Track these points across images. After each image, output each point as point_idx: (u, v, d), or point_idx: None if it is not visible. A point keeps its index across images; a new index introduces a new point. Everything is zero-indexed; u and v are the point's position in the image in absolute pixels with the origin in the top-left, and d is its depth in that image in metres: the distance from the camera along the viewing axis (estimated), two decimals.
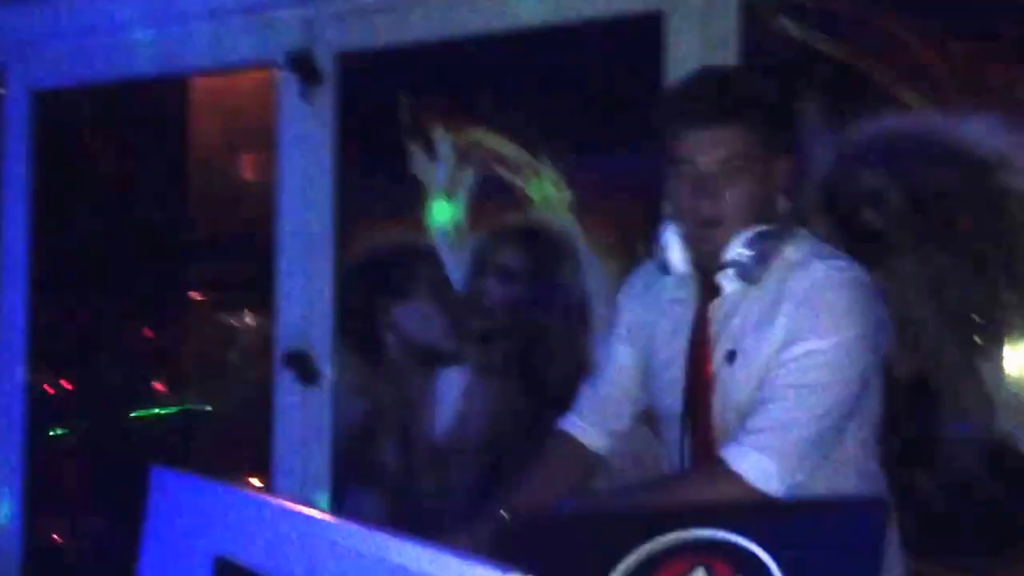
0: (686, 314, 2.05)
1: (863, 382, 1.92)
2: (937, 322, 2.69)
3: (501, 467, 3.08)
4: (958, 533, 2.68)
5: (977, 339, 2.67)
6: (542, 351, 3.14)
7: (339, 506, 3.20)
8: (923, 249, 2.70)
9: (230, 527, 1.28)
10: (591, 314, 3.07)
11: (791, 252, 1.96)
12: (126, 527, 1.57)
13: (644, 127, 2.93)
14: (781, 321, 1.90)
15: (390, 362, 3.28)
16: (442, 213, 3.33)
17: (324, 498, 3.19)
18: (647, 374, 2.13)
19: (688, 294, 2.06)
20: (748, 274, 1.94)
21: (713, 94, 1.95)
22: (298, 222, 3.28)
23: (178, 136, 4.24)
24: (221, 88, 4.19)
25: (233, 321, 4.48)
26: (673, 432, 2.05)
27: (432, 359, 3.24)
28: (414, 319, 3.24)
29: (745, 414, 1.91)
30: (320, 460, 3.24)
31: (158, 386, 4.44)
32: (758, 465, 1.83)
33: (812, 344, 1.87)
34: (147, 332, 4.46)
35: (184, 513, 1.38)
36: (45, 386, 4.00)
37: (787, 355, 1.88)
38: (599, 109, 3.10)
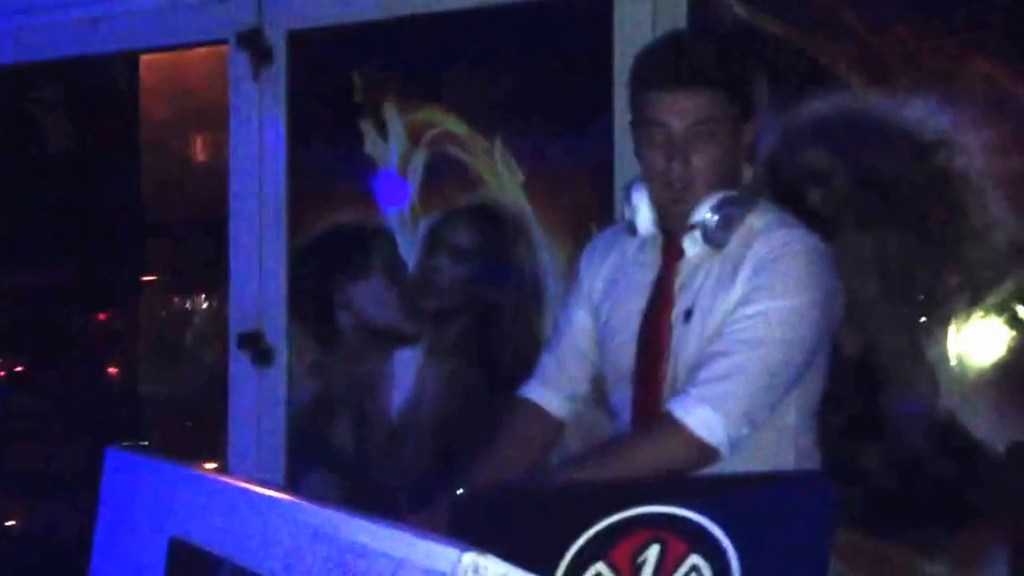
0: (647, 276, 2.07)
1: (813, 347, 1.95)
2: (882, 301, 2.72)
3: (456, 446, 3.09)
4: (905, 510, 2.71)
5: (921, 318, 2.71)
6: (495, 330, 3.15)
7: (294, 487, 3.19)
8: (867, 229, 2.72)
9: (185, 508, 1.27)
10: (543, 293, 3.08)
11: (754, 219, 1.99)
12: (80, 510, 1.56)
13: (594, 106, 2.94)
14: (739, 283, 1.94)
15: (344, 342, 3.28)
16: (395, 192, 3.32)
17: (279, 479, 3.18)
18: (601, 335, 2.14)
19: (651, 256, 2.08)
20: (713, 238, 1.97)
21: (682, 58, 1.97)
22: (250, 202, 3.26)
23: (129, 115, 4.19)
24: (173, 67, 4.15)
25: (187, 303, 4.45)
26: (624, 392, 2.07)
27: (386, 339, 3.24)
28: (368, 299, 3.23)
29: (693, 368, 1.93)
30: (274, 441, 3.23)
31: (111, 369, 4.41)
32: (703, 416, 1.86)
33: (767, 304, 1.90)
34: (100, 315, 4.42)
35: (139, 494, 1.37)
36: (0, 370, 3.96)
37: (741, 313, 1.92)
38: (550, 88, 3.11)
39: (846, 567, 2.66)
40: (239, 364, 3.25)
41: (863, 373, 2.73)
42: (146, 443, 3.90)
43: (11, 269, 3.86)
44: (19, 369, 4.16)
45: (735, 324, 1.91)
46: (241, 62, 3.25)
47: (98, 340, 4.38)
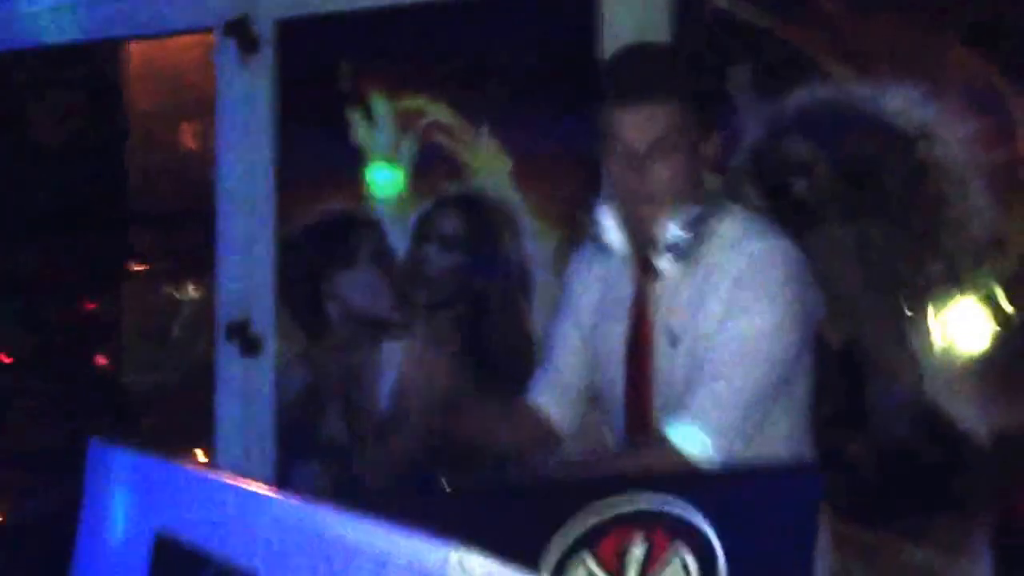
0: (625, 295, 2.07)
1: (796, 356, 1.97)
2: (865, 291, 2.73)
3: (445, 437, 3.08)
4: (889, 498, 2.72)
5: (905, 308, 2.72)
6: (484, 320, 3.15)
7: (282, 478, 3.19)
8: (851, 219, 2.73)
9: (170, 502, 1.27)
10: (532, 282, 3.08)
11: (726, 228, 1.99)
12: (66, 503, 1.56)
13: (581, 96, 2.94)
14: (718, 298, 1.94)
15: (333, 332, 3.27)
16: (383, 181, 3.31)
17: (267, 469, 3.17)
18: (593, 357, 2.15)
19: (627, 275, 2.08)
20: (685, 256, 1.97)
21: (642, 72, 1.97)
22: (238, 191, 3.24)
23: (115, 103, 4.17)
24: (160, 55, 4.12)
25: (174, 292, 4.43)
26: (613, 405, 2.09)
27: (375, 329, 3.23)
28: (356, 288, 3.22)
29: (682, 390, 1.94)
30: (263, 432, 3.22)
31: (97, 358, 4.39)
32: (699, 442, 1.87)
33: (747, 320, 1.91)
34: (86, 304, 4.40)
35: (123, 488, 1.37)
36: None
37: (724, 332, 1.92)
38: (538, 77, 3.10)
39: (832, 555, 2.67)
40: (227, 354, 3.24)
41: (847, 363, 2.74)
42: (132, 434, 3.90)
43: None
44: (5, 360, 4.15)
45: (719, 345, 1.92)
46: (228, 50, 3.23)
47: (84, 330, 4.37)
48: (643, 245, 2.02)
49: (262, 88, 3.22)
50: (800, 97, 2.76)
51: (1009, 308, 2.64)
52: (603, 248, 2.06)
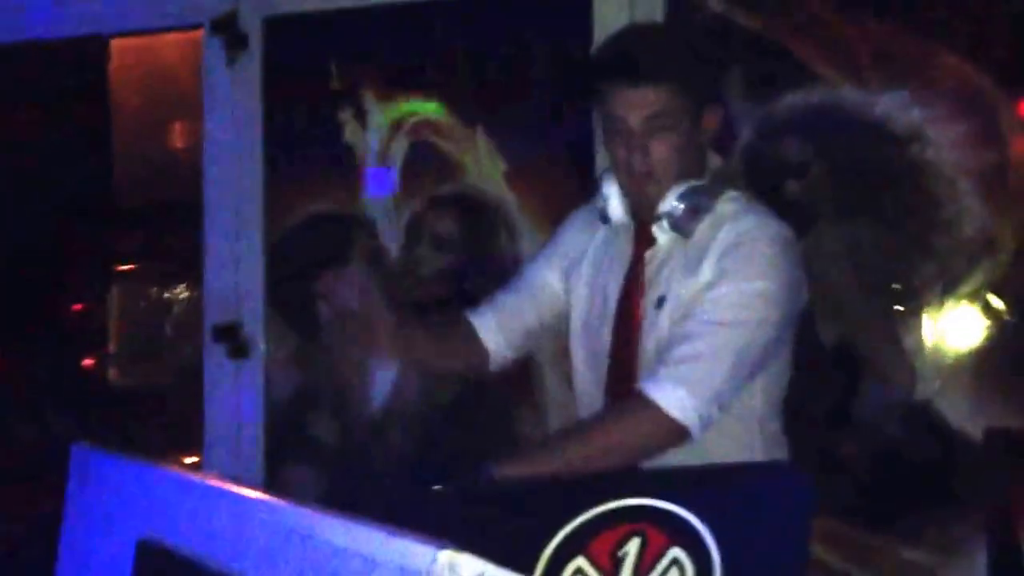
0: (622, 262, 2.13)
1: (777, 330, 2.00)
2: (858, 292, 2.74)
3: (437, 438, 3.07)
4: (883, 497, 2.73)
5: (897, 307, 2.74)
6: None
7: (273, 482, 3.17)
8: (843, 220, 2.75)
9: (154, 507, 1.25)
10: None
11: (723, 206, 2.05)
12: (49, 507, 1.54)
13: (575, 94, 2.94)
14: (707, 266, 2.00)
15: (323, 334, 3.25)
16: (375, 182, 3.30)
17: (257, 472, 3.16)
18: (584, 317, 2.19)
19: (624, 244, 2.14)
20: (681, 226, 2.03)
21: (638, 53, 2.04)
22: (226, 190, 3.23)
23: (99, 101, 4.14)
24: (146, 52, 4.10)
25: (162, 292, 4.41)
26: (599, 371, 2.13)
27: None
28: (347, 290, 3.20)
29: (663, 349, 1.98)
30: (252, 434, 3.20)
31: (84, 360, 4.37)
32: (674, 395, 1.90)
33: (734, 285, 1.96)
34: (72, 305, 4.38)
35: (106, 493, 1.35)
36: None
37: (709, 294, 1.97)
38: (531, 76, 3.10)
39: (826, 555, 2.68)
40: (215, 356, 3.22)
41: (840, 362, 2.75)
42: (120, 437, 3.87)
43: None
44: None
45: (703, 305, 1.97)
46: (216, 48, 3.21)
47: (70, 331, 4.35)
48: (642, 214, 2.09)
49: (250, 86, 3.20)
50: (792, 99, 2.78)
51: (1001, 307, 2.65)
52: (605, 216, 2.13)
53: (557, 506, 1.41)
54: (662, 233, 2.04)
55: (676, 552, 1.44)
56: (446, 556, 0.89)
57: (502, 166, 3.13)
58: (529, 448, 2.13)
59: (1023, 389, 2.66)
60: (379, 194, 3.28)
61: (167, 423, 3.93)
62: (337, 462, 3.23)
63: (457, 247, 3.18)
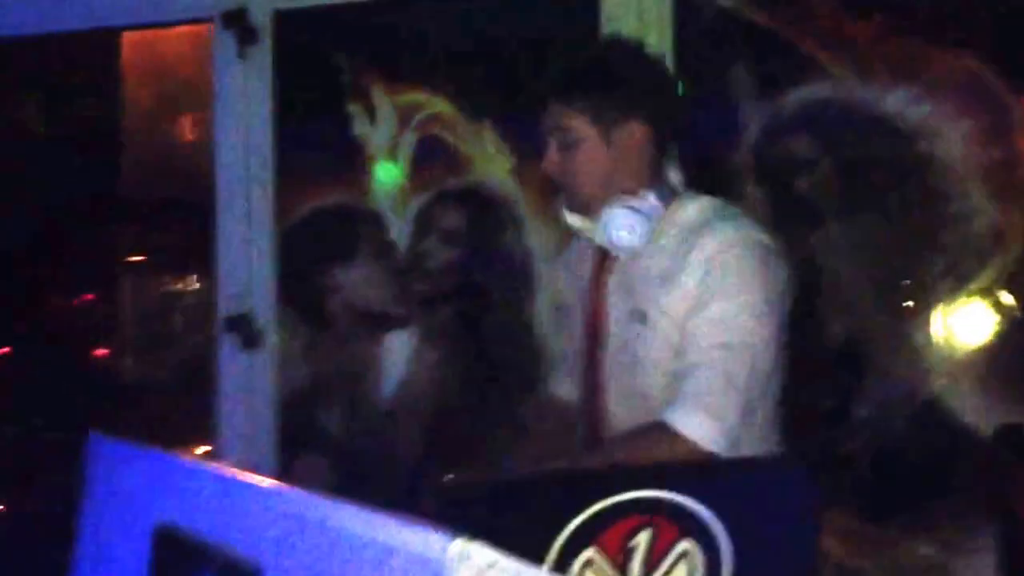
0: (586, 272, 2.20)
1: (778, 340, 2.03)
2: (867, 288, 2.74)
3: (447, 431, 3.08)
4: (892, 493, 2.73)
5: (906, 304, 2.73)
6: (485, 314, 3.14)
7: (284, 472, 3.18)
8: (852, 216, 2.75)
9: (170, 495, 1.26)
10: (533, 276, 3.07)
11: (690, 213, 2.08)
12: (65, 498, 1.55)
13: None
14: (690, 278, 2.01)
15: (334, 326, 3.26)
16: (384, 175, 3.30)
17: (269, 463, 3.17)
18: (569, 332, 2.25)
19: (590, 249, 2.20)
20: (632, 239, 2.06)
21: (558, 73, 2.15)
22: (237, 183, 3.23)
23: (109, 94, 4.15)
24: (156, 45, 4.11)
25: (173, 285, 4.42)
26: (575, 377, 2.20)
27: (376, 323, 3.22)
28: (357, 282, 3.21)
29: (665, 372, 2.01)
30: (264, 424, 3.21)
31: (98, 352, 4.38)
32: (702, 425, 1.92)
33: (724, 305, 1.97)
34: (83, 297, 4.39)
35: (123, 482, 1.36)
36: None
37: (702, 318, 1.98)
38: (539, 70, 3.10)
39: (837, 550, 2.68)
40: (227, 347, 3.23)
41: (849, 359, 2.75)
42: (132, 428, 3.89)
43: None
44: (3, 351, 4.14)
45: (700, 331, 1.98)
46: (226, 41, 3.21)
47: (80, 323, 4.36)
48: (593, 228, 2.13)
49: (260, 79, 3.20)
50: (801, 95, 2.77)
51: (1010, 303, 2.64)
52: (567, 225, 2.20)
53: (568, 497, 1.41)
54: (614, 246, 2.09)
55: (686, 544, 1.44)
56: (458, 546, 0.90)
57: (510, 161, 3.13)
58: (556, 461, 2.12)
59: None
60: (387, 187, 3.29)
61: (177, 415, 3.94)
62: (349, 452, 3.24)
63: (465, 241, 3.19)
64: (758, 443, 2.05)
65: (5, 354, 4.14)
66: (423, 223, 3.23)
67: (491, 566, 0.90)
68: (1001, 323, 2.67)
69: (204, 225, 3.32)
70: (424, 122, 3.22)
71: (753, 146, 2.79)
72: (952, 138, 2.68)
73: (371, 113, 3.24)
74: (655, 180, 2.10)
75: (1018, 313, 2.66)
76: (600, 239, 2.09)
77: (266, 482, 1.17)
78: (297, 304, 3.25)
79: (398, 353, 3.18)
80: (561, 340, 2.30)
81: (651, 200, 2.06)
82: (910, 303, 2.73)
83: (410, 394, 3.10)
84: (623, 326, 2.06)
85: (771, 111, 2.81)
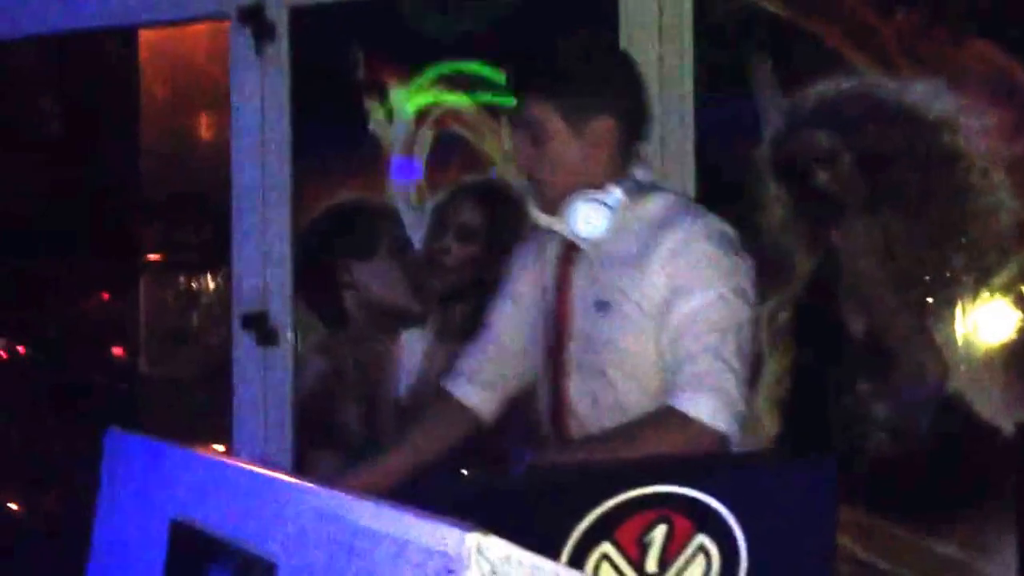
0: (552, 260, 2.21)
1: (750, 325, 2.07)
2: (888, 282, 2.72)
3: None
4: (914, 490, 2.71)
5: (928, 299, 2.71)
6: None
7: (301, 468, 3.19)
8: (874, 210, 2.73)
9: (186, 489, 1.26)
10: None
11: (653, 206, 2.12)
12: (82, 493, 1.56)
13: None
14: (657, 271, 2.05)
15: (350, 322, 3.26)
16: (401, 171, 3.30)
17: (285, 460, 3.17)
18: (532, 329, 2.25)
19: (553, 243, 2.21)
20: (590, 237, 2.10)
21: (529, 69, 2.18)
22: (253, 180, 3.24)
23: (128, 92, 4.16)
24: (173, 42, 4.12)
25: (190, 283, 4.43)
26: (539, 367, 2.21)
27: (393, 319, 3.22)
28: (374, 279, 3.21)
29: (624, 358, 2.05)
30: (280, 422, 3.22)
31: (115, 350, 4.40)
32: (708, 405, 1.94)
33: (704, 294, 2.01)
34: (101, 295, 4.41)
35: (139, 476, 1.36)
36: None
37: (687, 310, 2.02)
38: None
39: (855, 547, 2.66)
40: (243, 345, 3.24)
41: (870, 354, 2.73)
42: (150, 425, 3.90)
43: (10, 250, 3.84)
44: (20, 350, 4.16)
45: (684, 324, 2.01)
46: (243, 38, 3.22)
47: (99, 321, 4.37)
48: (559, 222, 2.16)
49: (277, 76, 3.21)
50: (822, 88, 2.76)
51: None
52: (538, 228, 2.22)
53: (584, 492, 1.41)
54: (579, 237, 2.12)
55: (702, 539, 1.44)
56: (474, 539, 0.90)
57: None
58: (569, 448, 2.13)
59: None
60: (404, 184, 3.29)
61: (195, 412, 3.96)
62: (365, 448, 3.25)
63: (482, 237, 3.18)
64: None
65: (23, 352, 4.15)
66: (440, 220, 3.23)
67: (506, 560, 0.90)
68: None
69: (221, 222, 3.32)
70: (441, 118, 3.22)
71: (775, 140, 2.77)
72: (975, 131, 2.66)
73: (388, 109, 3.24)
74: (621, 175, 2.14)
75: None
76: (566, 231, 2.13)
77: (282, 477, 1.17)
78: (313, 301, 3.26)
79: (414, 350, 3.18)
80: (492, 334, 2.32)
81: (616, 194, 2.11)
82: (932, 298, 2.72)
83: (426, 390, 3.10)
84: (588, 318, 2.11)
85: (791, 104, 2.79)
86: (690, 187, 2.78)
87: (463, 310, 3.16)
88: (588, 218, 2.09)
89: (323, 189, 3.31)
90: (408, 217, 3.25)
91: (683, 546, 1.43)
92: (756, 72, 2.80)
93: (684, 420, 1.94)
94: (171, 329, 4.41)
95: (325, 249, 3.25)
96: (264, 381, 3.23)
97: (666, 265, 2.03)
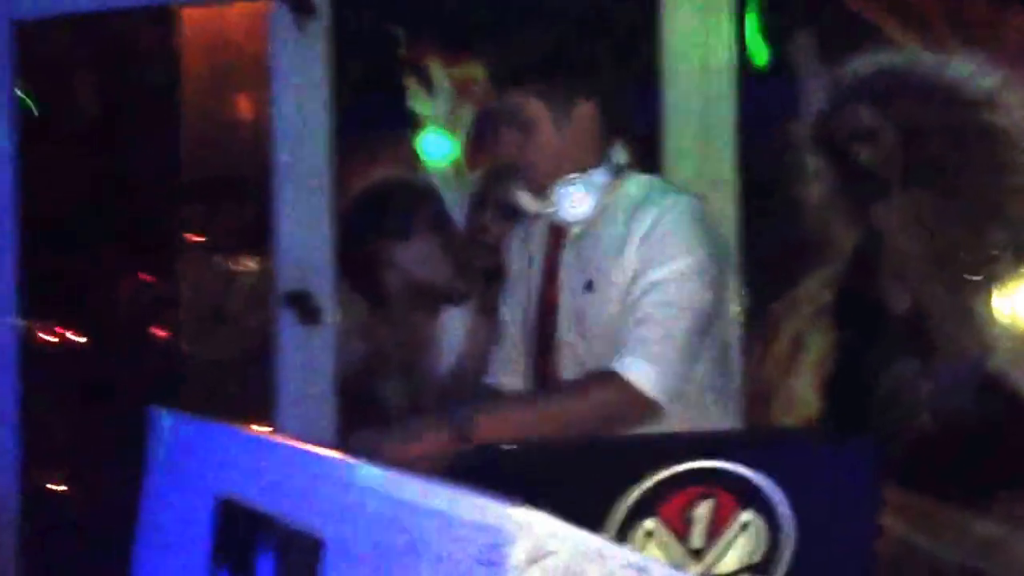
0: (541, 247, 2.31)
1: (715, 300, 2.16)
2: (930, 260, 2.71)
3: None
4: (953, 469, 2.70)
5: (970, 276, 2.70)
6: None
7: (344, 446, 3.20)
8: (915, 187, 2.71)
9: (231, 467, 1.27)
10: None
11: (632, 189, 2.21)
12: (127, 472, 1.57)
13: (642, 63, 2.92)
14: (632, 250, 2.15)
15: (391, 302, 3.26)
16: (441, 149, 3.30)
17: (328, 438, 3.18)
18: (523, 317, 2.36)
19: (542, 230, 2.31)
20: (582, 213, 2.19)
21: (512, 58, 2.28)
22: (295, 159, 3.24)
23: (171, 71, 4.17)
24: (214, 22, 4.12)
25: (233, 263, 4.45)
26: (526, 344, 2.31)
27: (434, 298, 3.22)
28: (414, 258, 3.21)
29: (606, 336, 2.14)
30: (323, 400, 3.24)
31: (157, 332, 4.43)
32: (642, 371, 2.05)
33: (665, 269, 2.12)
34: (144, 277, 4.44)
35: (184, 454, 1.37)
36: (41, 334, 3.99)
37: (645, 282, 2.12)
38: (597, 44, 3.08)
39: (896, 525, 2.65)
40: (287, 323, 3.25)
41: (911, 332, 2.72)
42: (193, 405, 3.93)
43: (51, 233, 3.86)
44: (63, 333, 4.19)
45: (644, 293, 2.11)
46: (283, 16, 3.22)
47: (141, 303, 4.40)
48: (545, 204, 2.25)
49: (317, 55, 3.20)
50: (863, 64, 2.74)
51: None
52: (522, 210, 2.32)
53: (629, 467, 1.41)
54: (566, 220, 2.20)
55: (747, 515, 1.43)
56: (520, 514, 0.89)
57: None
58: (505, 402, 2.28)
59: None
60: (445, 162, 3.28)
61: (238, 391, 3.98)
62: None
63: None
64: (697, 397, 2.16)
65: (66, 335, 4.19)
66: (481, 198, 3.22)
67: (552, 535, 0.89)
68: None
69: (262, 202, 3.33)
70: (481, 95, 3.21)
71: (816, 116, 2.76)
72: (1017, 107, 2.63)
73: (428, 87, 3.24)
74: (603, 159, 2.21)
75: None
76: (553, 215, 2.20)
77: (327, 453, 1.17)
78: (355, 280, 3.26)
79: (456, 328, 3.18)
80: (508, 325, 2.41)
81: (600, 177, 2.19)
82: (974, 276, 2.69)
83: (468, 369, 3.10)
84: (575, 298, 2.19)
85: (832, 80, 2.77)
86: (730, 163, 2.78)
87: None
88: (575, 201, 2.18)
89: (364, 167, 3.31)
90: (448, 195, 3.25)
91: (729, 522, 1.42)
92: (797, 47, 2.78)
93: (620, 383, 2.04)
94: (211, 310, 4.43)
95: (365, 228, 3.25)
96: (307, 359, 3.24)
97: (640, 245, 2.13)
